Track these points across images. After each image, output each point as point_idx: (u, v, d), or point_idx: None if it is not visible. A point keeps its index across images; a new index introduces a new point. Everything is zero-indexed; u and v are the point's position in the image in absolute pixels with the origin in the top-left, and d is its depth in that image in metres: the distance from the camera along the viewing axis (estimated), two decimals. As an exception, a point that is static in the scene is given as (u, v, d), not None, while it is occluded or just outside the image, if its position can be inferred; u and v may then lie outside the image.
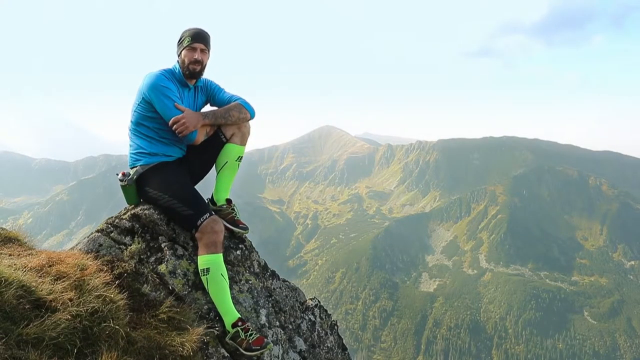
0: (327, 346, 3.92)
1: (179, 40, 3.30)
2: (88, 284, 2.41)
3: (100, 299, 2.35)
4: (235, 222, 3.47)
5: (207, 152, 3.43)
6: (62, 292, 2.24)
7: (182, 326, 2.68)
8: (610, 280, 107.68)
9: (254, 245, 3.79)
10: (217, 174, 3.51)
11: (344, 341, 4.31)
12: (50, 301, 2.15)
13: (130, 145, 3.35)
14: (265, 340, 2.98)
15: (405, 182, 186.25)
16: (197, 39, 3.25)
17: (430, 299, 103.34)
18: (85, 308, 2.21)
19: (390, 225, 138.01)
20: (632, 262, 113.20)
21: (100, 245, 3.08)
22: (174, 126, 3.13)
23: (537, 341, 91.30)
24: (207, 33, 3.32)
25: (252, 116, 3.49)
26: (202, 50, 3.28)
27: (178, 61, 3.33)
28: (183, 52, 3.26)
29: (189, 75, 3.32)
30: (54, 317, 2.05)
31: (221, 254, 3.07)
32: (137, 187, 3.32)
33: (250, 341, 2.91)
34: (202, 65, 3.31)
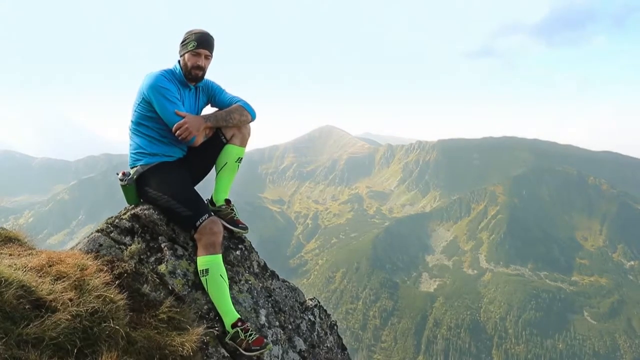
0: (327, 346, 3.92)
1: (183, 42, 3.27)
2: (88, 284, 2.41)
3: (100, 299, 2.35)
4: (235, 222, 3.48)
5: (207, 153, 3.44)
6: (62, 292, 2.24)
7: (182, 326, 2.68)
8: (610, 281, 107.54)
9: (254, 245, 3.80)
10: (217, 174, 3.52)
11: (344, 341, 4.31)
12: (50, 301, 2.15)
13: (131, 145, 3.35)
14: (265, 340, 2.98)
15: (405, 182, 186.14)
16: (203, 45, 3.23)
17: (430, 299, 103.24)
18: (85, 308, 2.21)
19: (390, 225, 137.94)
20: (632, 262, 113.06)
21: (100, 245, 3.09)
22: (177, 132, 3.13)
23: (537, 341, 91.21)
24: (212, 37, 3.29)
25: (253, 118, 3.49)
26: (205, 57, 3.27)
27: (179, 62, 3.32)
28: (187, 56, 3.25)
29: (190, 79, 3.32)
30: (54, 317, 2.05)
31: (220, 255, 3.08)
32: (137, 187, 3.32)
33: (249, 341, 2.91)
34: (203, 70, 3.31)
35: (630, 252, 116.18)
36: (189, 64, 3.26)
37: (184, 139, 3.17)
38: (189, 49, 3.23)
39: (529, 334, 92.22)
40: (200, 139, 3.31)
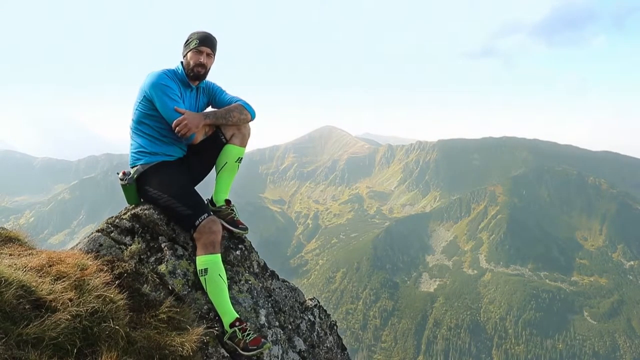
0: (327, 346, 3.92)
1: (186, 42, 3.33)
2: (88, 284, 2.41)
3: (100, 299, 2.35)
4: (235, 223, 3.48)
5: (207, 152, 3.44)
6: (62, 292, 2.24)
7: (182, 326, 2.68)
8: (610, 281, 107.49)
9: (254, 245, 3.80)
10: (217, 174, 3.52)
11: (344, 341, 4.32)
12: (50, 301, 2.15)
13: (131, 144, 3.36)
14: (263, 340, 2.98)
15: (405, 182, 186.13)
16: (205, 43, 3.29)
17: (430, 299, 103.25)
18: (85, 308, 2.21)
19: (390, 225, 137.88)
20: (632, 262, 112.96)
21: (101, 245, 3.09)
22: (177, 128, 3.15)
23: (537, 341, 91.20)
24: (214, 38, 3.35)
25: (253, 117, 3.50)
26: (207, 55, 3.32)
27: (182, 62, 3.36)
28: (189, 54, 3.30)
29: (192, 77, 3.35)
30: (54, 317, 2.04)
31: (219, 255, 3.08)
32: (138, 186, 3.33)
33: (247, 341, 2.91)
34: (206, 69, 3.35)
35: (630, 252, 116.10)
36: (191, 62, 3.29)
37: (183, 136, 3.18)
38: (192, 48, 3.28)
39: (529, 334, 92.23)
40: (199, 137, 3.32)
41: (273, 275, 3.80)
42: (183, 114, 3.17)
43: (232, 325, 2.96)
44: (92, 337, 2.16)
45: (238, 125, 3.43)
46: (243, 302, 3.27)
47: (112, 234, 3.20)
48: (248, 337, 2.92)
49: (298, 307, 3.84)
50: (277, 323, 3.40)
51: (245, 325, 2.98)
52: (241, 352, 2.91)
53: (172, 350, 2.44)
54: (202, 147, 3.40)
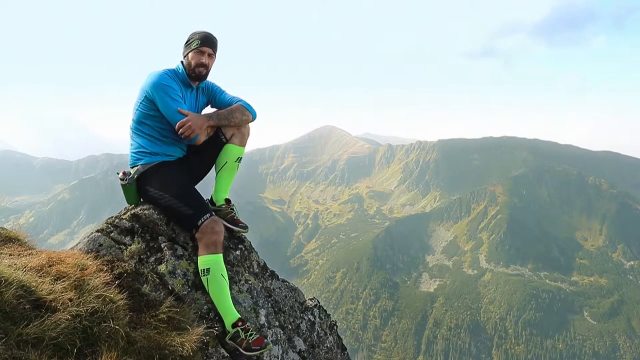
0: (327, 346, 3.92)
1: (187, 42, 3.33)
2: (88, 284, 2.41)
3: (100, 299, 2.34)
4: (235, 222, 3.48)
5: (207, 152, 3.45)
6: (62, 292, 2.24)
7: (182, 326, 2.68)
8: (610, 281, 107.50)
9: (254, 245, 3.80)
10: (217, 174, 3.53)
11: (344, 341, 4.31)
12: (50, 301, 2.15)
13: (131, 145, 3.36)
14: (265, 340, 2.99)
15: (405, 182, 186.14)
16: (206, 43, 3.28)
17: (430, 299, 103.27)
18: (85, 308, 2.20)
19: (390, 225, 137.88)
20: (632, 262, 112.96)
21: (100, 245, 3.09)
22: (180, 130, 3.15)
23: (537, 341, 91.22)
24: (215, 38, 3.35)
25: (254, 117, 3.51)
26: (209, 55, 3.32)
27: (182, 62, 3.36)
28: (190, 54, 3.29)
29: (194, 77, 3.35)
30: (54, 317, 2.04)
31: (221, 255, 3.08)
32: (138, 186, 3.33)
33: (250, 341, 2.91)
34: (207, 69, 3.35)
35: (630, 252, 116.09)
36: (192, 62, 3.29)
37: (187, 137, 3.18)
38: (193, 48, 3.28)
39: (529, 334, 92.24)
40: (202, 138, 3.32)
41: (273, 275, 3.80)
42: (186, 115, 3.18)
43: (234, 325, 2.96)
44: (92, 337, 2.16)
45: (239, 125, 3.44)
46: (243, 302, 3.27)
47: (112, 234, 3.20)
48: (251, 337, 2.93)
49: (298, 307, 3.84)
50: (277, 323, 3.40)
51: (248, 326, 2.99)
52: (243, 352, 2.91)
53: (172, 350, 2.44)
54: (202, 147, 3.40)
